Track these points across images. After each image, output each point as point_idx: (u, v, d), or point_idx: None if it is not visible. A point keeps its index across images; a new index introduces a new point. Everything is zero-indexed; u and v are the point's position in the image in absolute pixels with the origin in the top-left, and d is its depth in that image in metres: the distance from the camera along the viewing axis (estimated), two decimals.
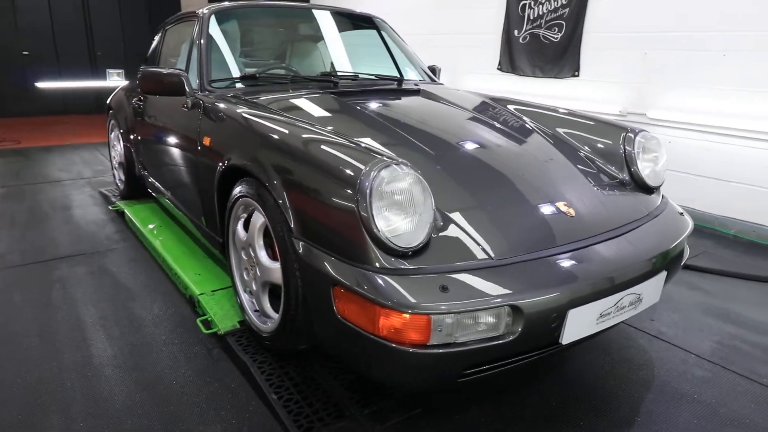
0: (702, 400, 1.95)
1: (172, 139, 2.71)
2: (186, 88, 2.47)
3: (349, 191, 1.52)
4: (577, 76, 4.58)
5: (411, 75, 3.30)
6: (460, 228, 1.64)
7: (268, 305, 2.00)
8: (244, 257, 2.09)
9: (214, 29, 2.73)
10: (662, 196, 2.30)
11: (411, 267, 1.49)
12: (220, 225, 2.26)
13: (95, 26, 8.89)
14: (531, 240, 1.69)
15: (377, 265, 1.49)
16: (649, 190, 2.22)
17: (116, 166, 4.07)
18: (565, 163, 2.17)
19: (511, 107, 2.72)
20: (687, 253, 2.16)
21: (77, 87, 8.62)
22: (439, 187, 1.79)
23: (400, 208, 1.53)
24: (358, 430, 1.72)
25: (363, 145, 1.77)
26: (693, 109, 3.86)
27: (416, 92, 2.77)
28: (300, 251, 1.69)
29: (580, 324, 1.63)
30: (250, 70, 2.73)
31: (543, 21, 4.76)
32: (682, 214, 2.19)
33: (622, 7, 4.21)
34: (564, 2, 4.56)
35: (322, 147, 1.73)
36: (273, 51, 3.07)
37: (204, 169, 2.32)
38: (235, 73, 2.68)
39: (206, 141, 2.27)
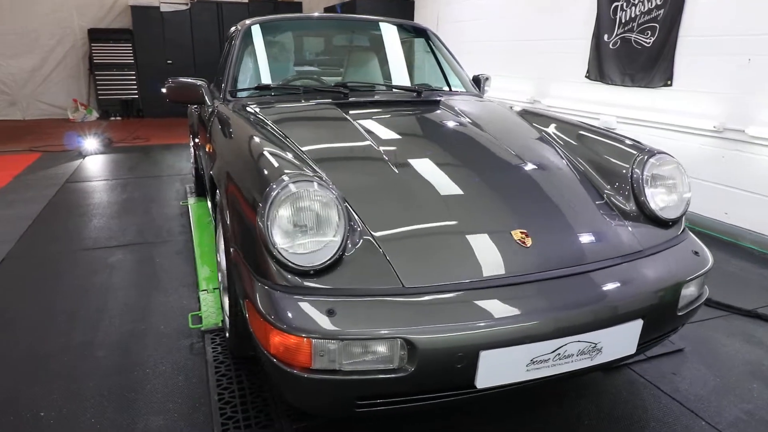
0: None
1: (202, 144, 2.93)
2: (206, 97, 2.65)
3: (258, 203, 1.53)
4: (670, 85, 4.06)
5: (456, 85, 3.20)
6: (381, 250, 1.55)
7: (227, 308, 2.08)
8: (218, 260, 2.20)
9: (248, 41, 2.89)
10: (683, 229, 1.97)
11: (308, 286, 1.46)
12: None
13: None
14: (459, 269, 1.55)
15: (278, 281, 1.48)
16: (662, 222, 1.91)
17: (192, 165, 4.49)
18: (555, 187, 1.95)
19: (535, 122, 2.49)
20: (701, 298, 1.83)
21: None
22: (379, 204, 1.72)
23: (303, 225, 1.50)
24: None
25: (298, 159, 1.76)
26: None
27: (433, 104, 2.67)
28: (232, 259, 1.73)
29: (500, 368, 1.46)
30: (272, 80, 2.84)
31: (635, 24, 4.29)
32: (697, 253, 1.85)
33: (725, 7, 3.64)
34: (659, 2, 4.07)
35: (260, 159, 1.75)
36: (303, 62, 3.16)
37: (207, 173, 2.48)
38: (263, 82, 2.81)
39: (209, 148, 2.42)
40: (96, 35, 9.18)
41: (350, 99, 2.60)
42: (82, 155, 6.27)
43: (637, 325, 1.61)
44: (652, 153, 2.00)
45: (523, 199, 1.84)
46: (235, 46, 2.86)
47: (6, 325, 2.47)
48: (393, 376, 1.40)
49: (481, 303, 1.47)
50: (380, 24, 3.31)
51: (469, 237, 1.66)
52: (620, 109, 4.51)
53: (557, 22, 5.21)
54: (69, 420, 1.85)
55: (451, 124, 2.41)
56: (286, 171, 1.59)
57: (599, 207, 1.90)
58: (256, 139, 1.93)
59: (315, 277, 1.47)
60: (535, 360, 1.48)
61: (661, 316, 1.68)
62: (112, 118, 9.45)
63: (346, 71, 3.34)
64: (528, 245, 1.65)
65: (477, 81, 3.31)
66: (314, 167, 1.82)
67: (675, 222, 1.94)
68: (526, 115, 2.60)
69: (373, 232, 1.60)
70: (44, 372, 2.11)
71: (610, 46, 4.54)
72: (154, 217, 4.07)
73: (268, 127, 2.16)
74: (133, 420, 1.85)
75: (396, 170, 1.89)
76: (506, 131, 2.36)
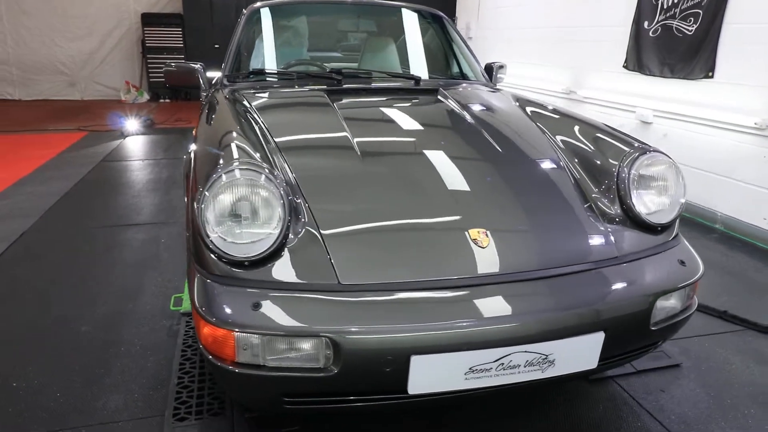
0: None
1: None
2: (202, 81, 2.65)
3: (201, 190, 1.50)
4: (711, 77, 3.74)
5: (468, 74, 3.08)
6: (324, 244, 1.49)
7: None
8: None
9: (251, 25, 2.88)
10: (675, 236, 1.80)
11: (240, 278, 1.42)
12: None
13: None
14: (404, 268, 1.47)
15: (213, 271, 1.45)
16: (650, 227, 1.74)
17: None
18: (532, 185, 1.82)
19: (535, 115, 2.33)
20: (685, 312, 1.67)
21: None
22: (335, 197, 1.67)
23: (239, 215, 1.46)
24: (225, 429, 1.71)
25: (262, 150, 1.72)
26: None
27: (430, 93, 2.56)
28: (186, 247, 1.73)
29: (434, 375, 1.38)
30: (275, 65, 2.81)
31: (678, 10, 3.97)
32: (683, 263, 1.68)
33: None
34: None
35: (222, 149, 1.72)
36: (308, 47, 3.11)
37: None
38: (265, 67, 2.79)
39: (194, 133, 2.42)
40: (148, 19, 9.50)
41: (344, 86, 2.54)
42: (123, 135, 6.52)
43: (597, 338, 1.48)
44: (644, 151, 1.83)
45: (492, 197, 1.73)
46: (238, 30, 2.85)
47: (12, 297, 2.59)
48: (317, 375, 1.35)
49: (417, 305, 1.39)
50: (393, 9, 3.22)
51: (421, 234, 1.58)
52: (657, 102, 4.21)
53: (597, 7, 4.91)
54: (37, 391, 1.91)
55: (438, 114, 2.30)
56: (239, 159, 1.55)
57: (578, 208, 1.76)
58: (227, 129, 1.91)
59: (250, 268, 1.44)
60: (474, 369, 1.39)
61: (628, 330, 1.54)
62: (162, 101, 9.77)
63: (362, 57, 3.27)
64: (484, 246, 1.54)
65: (489, 69, 3.16)
66: (282, 157, 1.78)
67: (666, 227, 1.78)
68: (528, 106, 2.45)
69: (320, 225, 1.54)
70: (31, 344, 2.20)
71: (650, 34, 4.24)
72: (171, 198, 4.17)
73: (249, 115, 2.13)
74: (95, 396, 1.89)
75: (363, 162, 1.82)
76: (499, 123, 2.24)
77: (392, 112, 2.31)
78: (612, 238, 1.67)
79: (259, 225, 1.46)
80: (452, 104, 2.37)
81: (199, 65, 2.67)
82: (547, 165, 1.94)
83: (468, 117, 2.23)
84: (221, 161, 1.58)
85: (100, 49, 9.83)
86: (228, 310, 1.35)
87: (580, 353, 1.49)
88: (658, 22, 4.16)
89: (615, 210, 1.78)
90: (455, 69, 3.10)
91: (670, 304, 1.62)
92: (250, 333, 1.32)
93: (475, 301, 1.42)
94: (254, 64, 2.81)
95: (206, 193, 1.44)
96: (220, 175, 1.47)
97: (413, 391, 1.39)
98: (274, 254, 1.45)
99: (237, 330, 1.33)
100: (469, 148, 2.01)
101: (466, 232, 1.57)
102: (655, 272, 1.62)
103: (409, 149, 1.96)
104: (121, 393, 1.91)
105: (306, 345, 1.34)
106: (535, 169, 1.91)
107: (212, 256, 1.44)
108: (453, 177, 1.79)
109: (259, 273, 1.43)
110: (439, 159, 1.90)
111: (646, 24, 4.28)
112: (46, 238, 3.32)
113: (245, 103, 2.29)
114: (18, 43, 9.58)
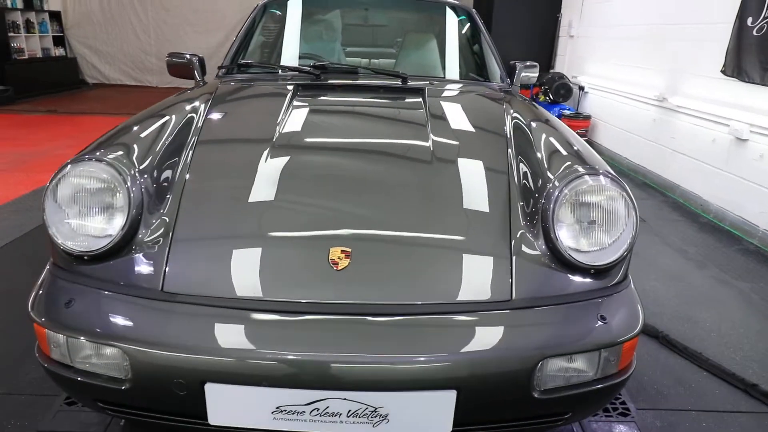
0: None
1: None
2: (196, 73, 2.68)
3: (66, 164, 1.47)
4: None
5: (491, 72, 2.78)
6: (168, 247, 1.38)
7: None
8: None
9: (257, 18, 2.87)
10: (615, 283, 1.42)
11: (74, 271, 1.38)
12: None
13: None
14: (242, 284, 1.31)
15: (57, 261, 1.43)
16: (579, 269, 1.39)
17: None
18: (445, 208, 1.51)
19: (517, 129, 1.96)
20: (605, 381, 1.33)
21: None
22: (212, 197, 1.54)
23: (81, 208, 1.40)
24: (101, 421, 1.69)
25: (150, 140, 1.65)
26: None
27: (412, 93, 2.29)
28: None
29: (236, 408, 1.23)
30: (276, 59, 2.77)
31: None
32: (604, 318, 1.31)
33: None
34: None
35: (131, 126, 1.73)
36: (312, 40, 3.00)
37: None
38: (264, 60, 2.78)
39: None
40: None
41: (321, 81, 2.39)
42: None
43: (446, 397, 1.21)
44: (592, 172, 1.44)
45: (381, 215, 1.48)
46: (245, 23, 2.85)
47: (31, 263, 2.86)
48: (111, 386, 1.26)
49: (221, 327, 1.23)
50: (420, 4, 3.01)
51: (280, 246, 1.41)
52: (756, 115, 3.46)
53: (699, 1, 4.18)
54: None
55: (397, 117, 2.07)
56: (117, 152, 1.50)
57: (488, 237, 1.44)
58: (157, 112, 1.89)
59: (89, 264, 1.38)
60: (282, 409, 1.21)
61: (496, 393, 1.23)
62: None
63: (399, 55, 3.11)
64: (339, 268, 1.33)
65: (512, 68, 2.80)
66: (192, 151, 1.69)
67: (602, 271, 1.40)
68: (519, 117, 2.03)
69: (177, 228, 1.42)
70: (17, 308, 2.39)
71: (754, 32, 3.48)
72: None
73: (202, 104, 2.08)
74: (25, 365, 1.99)
75: (266, 164, 1.64)
76: (460, 134, 1.91)
77: (348, 111, 2.14)
78: (511, 277, 1.35)
79: (102, 223, 1.39)
80: (423, 107, 2.09)
81: (196, 58, 2.71)
82: (482, 186, 1.61)
83: (426, 122, 1.94)
84: (108, 145, 1.54)
85: (226, 43, 10.63)
86: (42, 305, 1.32)
87: (423, 412, 1.23)
88: (764, 17, 3.41)
89: (539, 243, 1.44)
90: (470, 68, 2.80)
91: (573, 366, 1.28)
92: (54, 332, 1.28)
93: (291, 330, 1.23)
94: (253, 57, 2.79)
95: (64, 170, 1.39)
96: (82, 159, 1.42)
97: (214, 421, 1.24)
98: (113, 253, 1.38)
99: (45, 327, 1.29)
100: (399, 157, 1.76)
101: (328, 250, 1.37)
102: (552, 326, 1.29)
103: (327, 151, 1.78)
104: (37, 374, 1.98)
105: (107, 352, 1.26)
106: (460, 190, 1.58)
107: (57, 247, 1.41)
108: (351, 188, 1.58)
109: (90, 269, 1.37)
110: (350, 166, 1.71)
111: (750, 21, 3.53)
112: None
113: (212, 93, 2.26)
114: (158, 36, 10.75)
